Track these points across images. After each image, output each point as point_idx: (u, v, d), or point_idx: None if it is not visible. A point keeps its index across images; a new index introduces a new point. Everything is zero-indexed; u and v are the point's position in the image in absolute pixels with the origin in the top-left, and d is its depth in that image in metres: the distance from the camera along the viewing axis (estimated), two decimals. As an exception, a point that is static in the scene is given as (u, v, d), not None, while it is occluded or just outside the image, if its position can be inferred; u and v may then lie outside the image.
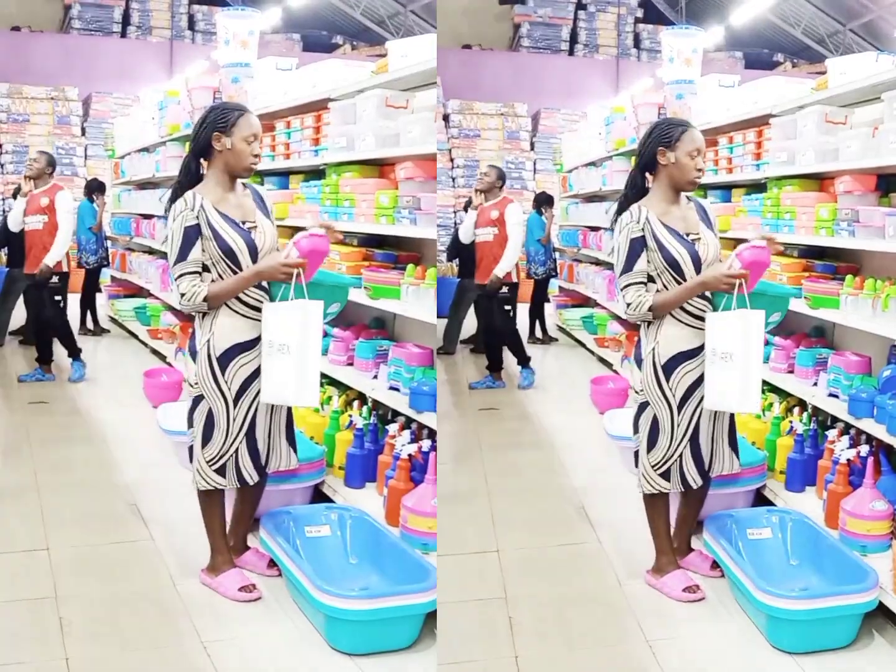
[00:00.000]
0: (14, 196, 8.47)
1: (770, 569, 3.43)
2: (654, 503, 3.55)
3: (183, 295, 3.26)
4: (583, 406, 6.24)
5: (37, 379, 6.72)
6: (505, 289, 6.70)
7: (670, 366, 3.37)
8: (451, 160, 13.75)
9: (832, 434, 4.07)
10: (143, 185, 9.02)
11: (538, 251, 8.91)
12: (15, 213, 6.80)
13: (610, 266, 8.24)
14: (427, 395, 3.93)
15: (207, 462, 3.39)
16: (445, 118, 13.86)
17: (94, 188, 9.17)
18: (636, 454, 3.56)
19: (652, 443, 3.44)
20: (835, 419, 4.14)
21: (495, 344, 6.98)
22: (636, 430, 3.50)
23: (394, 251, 4.72)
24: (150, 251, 8.86)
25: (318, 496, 4.16)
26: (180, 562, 3.69)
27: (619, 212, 3.43)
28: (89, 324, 8.97)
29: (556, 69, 14.74)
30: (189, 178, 3.36)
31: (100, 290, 9.49)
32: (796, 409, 4.39)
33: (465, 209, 8.75)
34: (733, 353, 3.22)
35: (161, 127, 7.71)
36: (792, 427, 4.30)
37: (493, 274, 6.61)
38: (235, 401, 3.36)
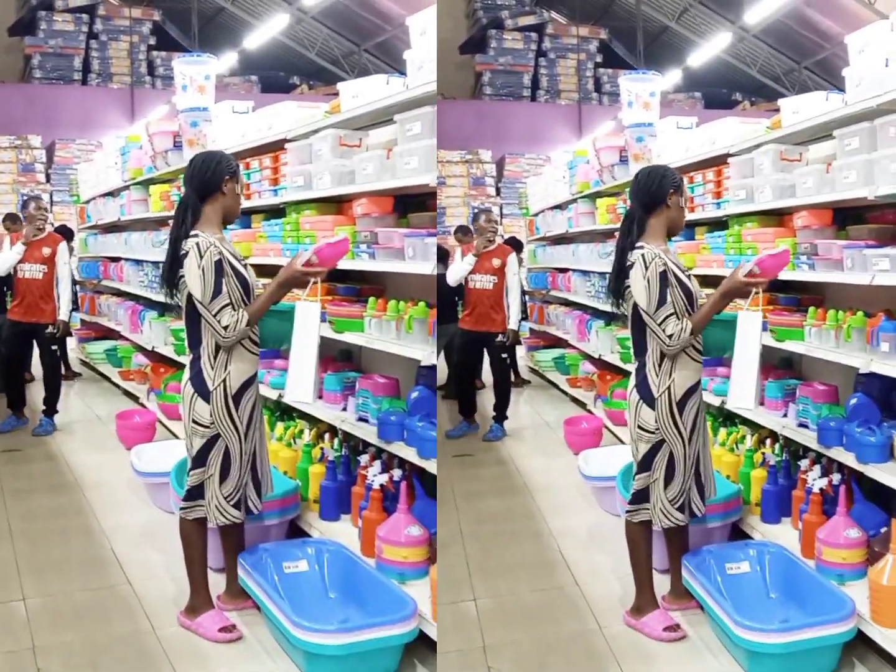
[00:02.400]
0: None
1: (749, 603, 3.44)
2: (639, 542, 3.58)
3: (226, 328, 3.35)
4: (557, 447, 6.25)
5: (12, 427, 6.63)
6: (501, 337, 6.66)
7: (683, 402, 3.48)
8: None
9: (804, 464, 4.11)
10: (109, 228, 9.09)
11: None
12: (8, 258, 6.68)
13: (580, 307, 8.34)
14: (395, 425, 3.91)
15: (226, 498, 3.47)
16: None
17: (63, 234, 9.20)
18: (639, 490, 3.55)
19: (669, 478, 3.51)
20: (806, 449, 4.18)
21: (470, 388, 6.92)
22: (645, 469, 3.53)
23: (356, 285, 4.79)
24: (119, 293, 8.89)
25: (295, 530, 4.15)
26: (158, 605, 3.67)
27: (622, 252, 3.51)
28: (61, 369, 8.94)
29: (519, 115, 14.96)
30: (195, 219, 3.46)
31: (70, 334, 9.49)
32: (768, 441, 4.43)
33: (439, 258, 8.78)
34: (738, 354, 3.39)
35: (124, 172, 7.78)
36: (765, 459, 4.34)
37: (510, 329, 6.64)
38: (245, 435, 3.48)
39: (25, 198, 6.98)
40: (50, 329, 6.58)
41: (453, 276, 6.81)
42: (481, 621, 3.65)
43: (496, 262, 6.68)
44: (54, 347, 6.77)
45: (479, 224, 6.88)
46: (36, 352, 7.13)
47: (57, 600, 3.76)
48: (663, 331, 3.40)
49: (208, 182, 3.47)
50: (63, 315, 6.64)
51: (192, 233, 3.42)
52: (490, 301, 6.63)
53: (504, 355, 6.90)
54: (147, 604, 3.69)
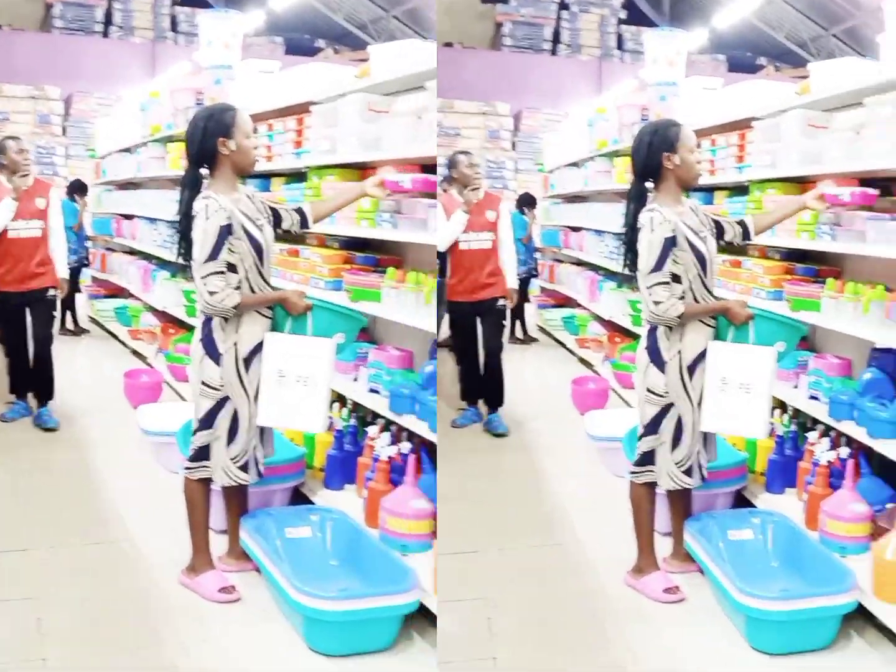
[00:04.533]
0: None
1: (750, 570, 3.43)
2: (642, 504, 3.58)
3: (213, 294, 3.29)
4: (563, 407, 6.25)
5: (20, 415, 5.72)
6: (502, 301, 5.73)
7: (693, 366, 3.45)
8: (433, 158, 13.71)
9: (812, 436, 4.09)
10: (125, 185, 8.96)
11: (519, 251, 8.87)
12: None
13: (592, 267, 8.28)
14: (407, 398, 3.93)
15: (232, 460, 3.45)
16: (427, 116, 13.82)
17: (77, 188, 9.18)
18: (645, 452, 3.56)
19: (677, 441, 3.50)
20: (815, 421, 4.16)
21: (474, 371, 5.89)
22: (652, 432, 3.52)
23: (375, 254, 4.73)
24: (131, 251, 8.79)
25: (298, 497, 4.14)
26: (160, 563, 3.67)
27: (629, 225, 3.48)
28: (69, 324, 8.90)
29: (539, 69, 14.72)
30: (197, 188, 3.40)
31: (79, 290, 9.44)
32: (777, 411, 4.40)
33: None
34: (757, 387, 3.39)
35: (143, 127, 7.64)
36: (773, 428, 4.32)
37: (510, 288, 5.70)
38: (255, 398, 3.45)
39: (2, 139, 5.61)
40: (52, 292, 5.60)
41: (444, 240, 5.56)
42: (482, 575, 3.66)
43: (491, 216, 5.64)
44: (55, 315, 5.95)
45: (460, 170, 5.67)
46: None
47: (58, 553, 3.76)
48: (650, 295, 3.36)
49: (201, 149, 3.38)
50: (63, 272, 5.68)
51: (204, 194, 3.35)
52: (489, 263, 5.63)
53: (504, 322, 6.04)
54: (148, 561, 3.70)
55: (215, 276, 3.30)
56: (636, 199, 3.49)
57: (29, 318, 5.59)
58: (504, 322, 5.95)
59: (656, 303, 3.36)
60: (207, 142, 3.37)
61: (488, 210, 5.66)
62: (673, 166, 3.43)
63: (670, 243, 3.36)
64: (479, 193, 5.65)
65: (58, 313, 6.49)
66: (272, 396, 3.42)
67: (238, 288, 3.36)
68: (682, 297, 3.40)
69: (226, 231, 3.31)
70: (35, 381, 5.67)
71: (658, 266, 3.36)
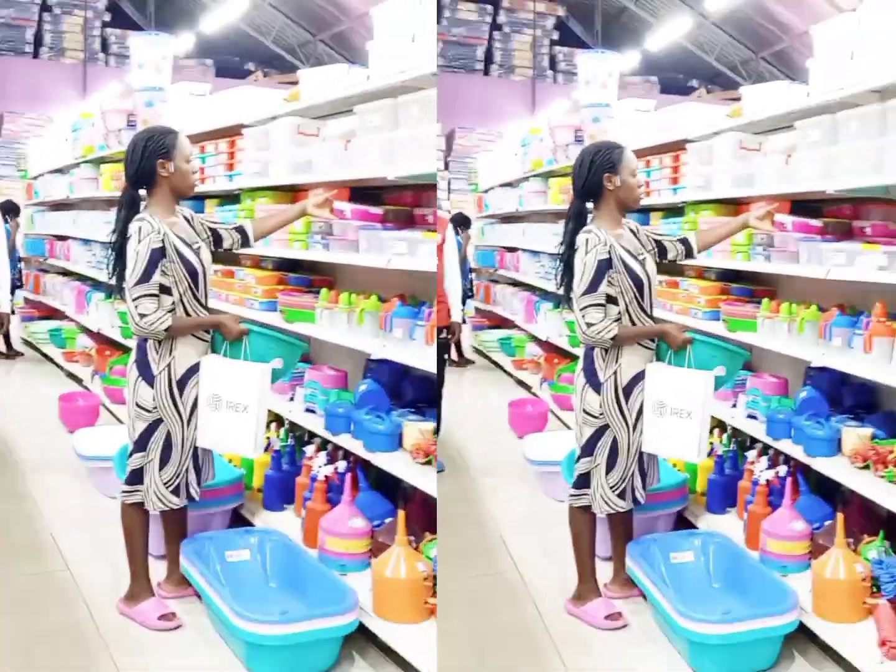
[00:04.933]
0: None
1: (692, 593, 3.43)
2: (581, 529, 3.55)
3: (143, 316, 3.24)
4: (501, 429, 6.21)
5: None
6: (444, 334, 5.37)
7: (629, 388, 3.43)
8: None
9: (751, 455, 4.11)
10: (58, 206, 8.84)
11: None
12: None
13: (528, 287, 8.29)
14: (342, 417, 3.91)
15: (164, 483, 3.39)
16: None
17: (9, 209, 9.08)
18: (582, 475, 3.54)
19: (611, 464, 3.47)
20: (754, 440, 4.18)
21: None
22: (588, 454, 3.49)
23: (308, 275, 4.74)
24: (65, 273, 8.65)
25: (238, 520, 4.09)
26: (97, 591, 3.58)
27: (566, 245, 3.46)
28: (1, 346, 8.67)
29: (471, 89, 14.79)
30: (134, 209, 3.37)
31: (13, 312, 9.21)
32: (716, 431, 4.42)
33: None
34: (692, 412, 3.36)
35: (75, 149, 7.58)
36: (712, 448, 4.33)
37: (453, 321, 5.37)
38: (188, 421, 3.40)
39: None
40: None
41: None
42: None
43: (437, 239, 5.71)
44: None
45: None
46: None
47: None
48: (583, 317, 3.35)
49: (139, 169, 3.35)
50: (5, 306, 5.27)
51: (140, 216, 3.31)
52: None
53: (445, 356, 5.68)
54: (86, 590, 3.60)
55: (146, 298, 3.25)
56: (575, 218, 3.48)
57: None
58: (445, 356, 5.61)
59: (589, 325, 3.34)
60: (146, 163, 3.34)
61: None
62: (613, 187, 3.42)
63: (605, 265, 3.35)
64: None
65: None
66: (207, 420, 3.38)
67: (172, 311, 3.30)
68: (617, 319, 3.38)
69: (158, 254, 3.26)
70: None
71: (592, 288, 3.34)
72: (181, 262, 3.32)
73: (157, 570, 3.58)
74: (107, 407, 6.21)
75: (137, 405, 3.37)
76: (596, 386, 3.43)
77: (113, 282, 3.47)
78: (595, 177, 3.42)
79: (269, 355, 3.42)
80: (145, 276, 3.25)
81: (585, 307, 3.34)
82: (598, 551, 3.66)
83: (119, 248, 3.37)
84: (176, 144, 3.37)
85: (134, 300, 3.26)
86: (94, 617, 3.40)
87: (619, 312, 3.38)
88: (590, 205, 3.50)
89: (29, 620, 3.38)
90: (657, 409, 3.42)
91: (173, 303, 3.32)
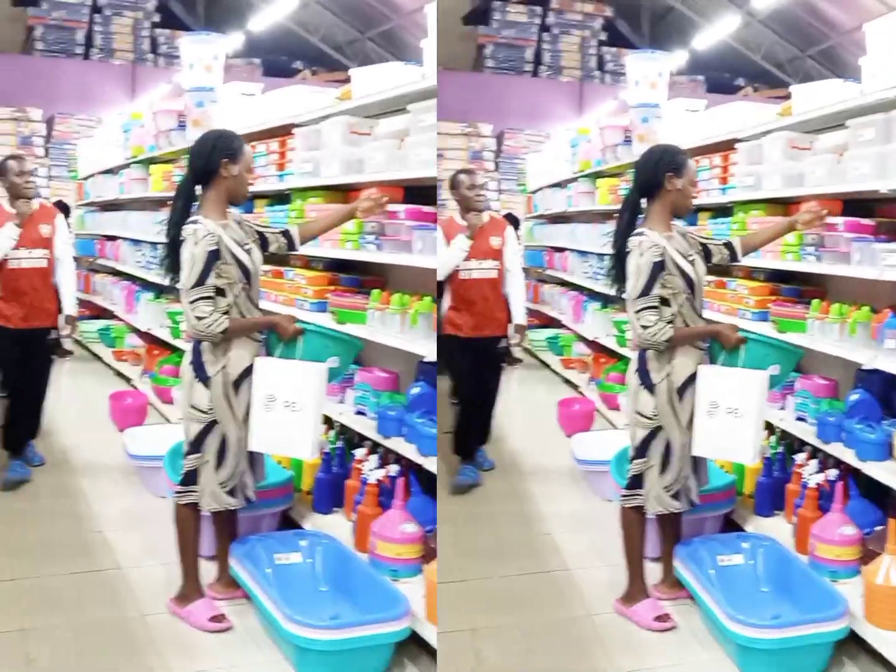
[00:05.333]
0: None
1: (741, 596, 3.40)
2: (632, 530, 3.54)
3: (200, 319, 3.27)
4: (549, 428, 6.21)
5: (21, 476, 4.89)
6: (505, 342, 5.16)
7: (682, 389, 3.44)
8: (416, 180, 13.75)
9: (800, 458, 4.07)
10: (108, 206, 8.94)
11: None
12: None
13: (576, 287, 8.27)
14: (394, 421, 3.90)
15: (221, 484, 3.41)
16: (409, 137, 13.87)
17: (60, 210, 9.12)
18: (635, 476, 3.52)
19: (665, 465, 3.47)
20: (803, 443, 4.14)
21: (476, 418, 5.20)
22: (641, 455, 3.49)
23: (359, 276, 4.71)
24: (115, 272, 8.75)
25: (286, 522, 4.10)
26: (148, 591, 3.61)
27: (620, 237, 3.47)
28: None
29: (520, 90, 14.78)
30: (190, 202, 3.41)
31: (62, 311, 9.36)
32: (765, 433, 4.38)
33: None
34: (747, 412, 3.36)
35: (125, 149, 7.66)
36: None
37: (517, 324, 5.14)
38: (243, 422, 3.42)
39: (2, 159, 5.03)
40: (53, 335, 5.01)
41: (443, 267, 4.93)
42: (469, 603, 3.60)
43: (495, 242, 5.04)
44: (52, 361, 5.21)
45: (460, 192, 5.05)
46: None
47: (45, 582, 3.69)
48: (638, 320, 3.36)
49: (204, 165, 3.40)
50: (71, 308, 5.11)
51: (193, 218, 3.35)
52: (494, 294, 5.02)
53: (504, 364, 5.39)
54: (136, 590, 3.64)
55: (203, 301, 3.28)
56: (630, 210, 3.50)
57: (24, 361, 4.92)
58: (504, 364, 5.34)
59: (644, 327, 3.35)
60: (212, 159, 3.38)
61: (493, 235, 5.02)
62: (672, 189, 3.45)
63: (658, 267, 3.36)
64: (483, 217, 5.03)
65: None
66: (262, 422, 3.39)
67: (227, 312, 3.33)
68: (670, 321, 3.38)
69: (214, 256, 3.30)
70: (18, 431, 5.04)
71: (646, 290, 3.35)
72: (236, 264, 3.36)
73: (208, 571, 3.60)
74: (155, 406, 6.29)
75: (192, 406, 3.39)
76: (650, 387, 3.44)
77: (163, 273, 3.48)
78: (658, 175, 3.44)
79: (324, 355, 3.44)
80: (202, 279, 3.28)
81: (640, 310, 3.36)
82: (647, 552, 3.65)
83: (173, 241, 3.38)
84: (243, 151, 3.44)
85: (191, 303, 3.29)
86: (144, 616, 3.43)
87: (672, 314, 3.39)
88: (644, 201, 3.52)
89: (79, 618, 3.42)
90: (710, 411, 3.41)
91: (228, 305, 3.35)
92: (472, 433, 5.17)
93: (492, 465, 5.35)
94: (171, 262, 3.42)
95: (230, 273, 3.35)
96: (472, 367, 5.04)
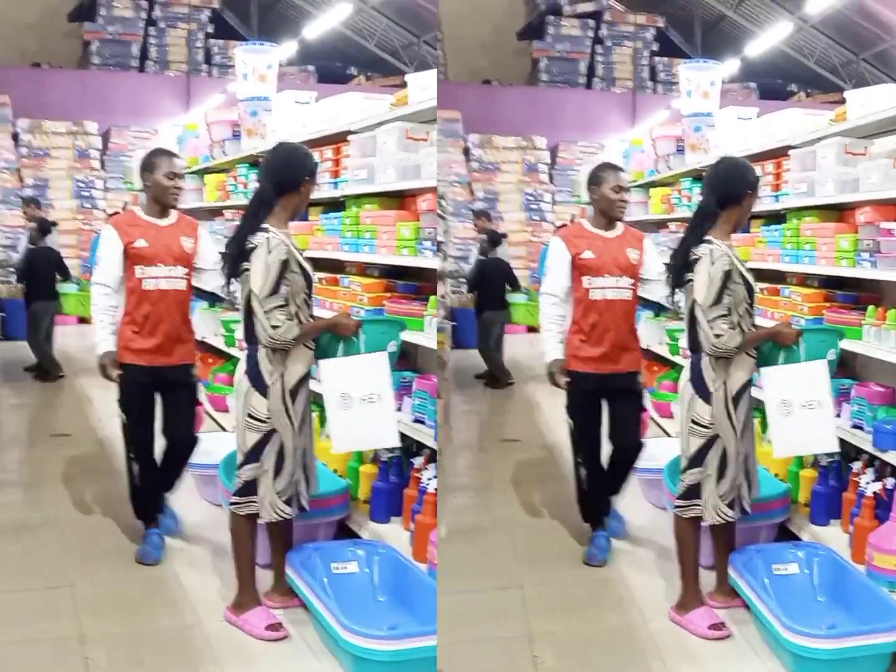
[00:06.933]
0: (42, 231, 8.49)
1: (796, 605, 3.38)
2: (687, 538, 3.54)
3: (276, 328, 3.33)
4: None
5: (157, 554, 4.02)
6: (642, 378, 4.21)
7: (737, 397, 3.46)
8: (472, 192, 13.82)
9: (857, 466, 4.02)
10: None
11: None
12: (111, 255, 3.91)
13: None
14: (891, 434, 3.83)
15: (278, 493, 3.45)
16: (465, 152, 13.95)
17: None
18: (692, 486, 3.52)
19: (721, 474, 3.48)
20: (859, 451, 4.09)
21: (601, 477, 4.24)
22: (698, 464, 3.49)
23: (415, 282, 4.69)
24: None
25: (343, 530, 4.11)
26: (205, 599, 3.64)
27: (690, 243, 3.47)
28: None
29: (574, 102, 14.82)
30: (267, 214, 3.43)
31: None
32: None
33: (491, 243, 8.66)
34: (821, 401, 3.45)
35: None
36: (816, 458, 4.25)
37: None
38: (299, 431, 3.47)
39: (151, 152, 4.12)
40: (195, 372, 4.09)
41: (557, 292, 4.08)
42: (526, 609, 3.62)
43: (633, 256, 4.02)
44: (198, 404, 4.37)
45: (601, 192, 4.05)
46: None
47: (103, 589, 3.75)
48: (711, 329, 3.37)
49: (288, 178, 3.46)
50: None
51: (263, 226, 3.40)
52: (628, 320, 4.07)
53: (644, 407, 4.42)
54: (193, 597, 3.67)
55: (278, 309, 3.35)
56: (710, 219, 3.48)
57: (161, 407, 4.03)
58: (643, 406, 4.38)
59: (717, 336, 3.37)
60: (300, 175, 3.48)
61: (630, 247, 4.05)
62: (745, 205, 3.51)
63: (727, 276, 3.39)
64: (617, 226, 4.12)
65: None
66: (341, 422, 3.45)
67: (291, 320, 3.39)
68: (733, 328, 3.40)
69: (285, 265, 3.36)
70: (169, 478, 4.18)
71: (718, 299, 3.38)
72: (300, 273, 3.43)
73: (264, 579, 3.61)
74: (210, 414, 6.31)
75: (250, 416, 3.41)
76: (705, 396, 3.44)
77: (221, 287, 3.52)
78: (740, 190, 3.49)
79: (384, 342, 3.51)
80: (276, 288, 3.34)
81: (714, 318, 3.38)
82: (701, 560, 3.63)
83: (239, 249, 3.38)
84: (315, 171, 3.55)
85: (266, 312, 3.33)
86: (201, 623, 3.45)
87: (734, 322, 3.41)
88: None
89: (136, 626, 3.46)
90: (783, 410, 3.46)
91: (292, 313, 3.39)
92: (598, 490, 4.25)
93: (625, 532, 4.41)
94: (232, 269, 3.43)
95: (296, 282, 3.41)
96: (597, 410, 4.14)
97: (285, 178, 3.46)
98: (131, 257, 3.89)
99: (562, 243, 4.06)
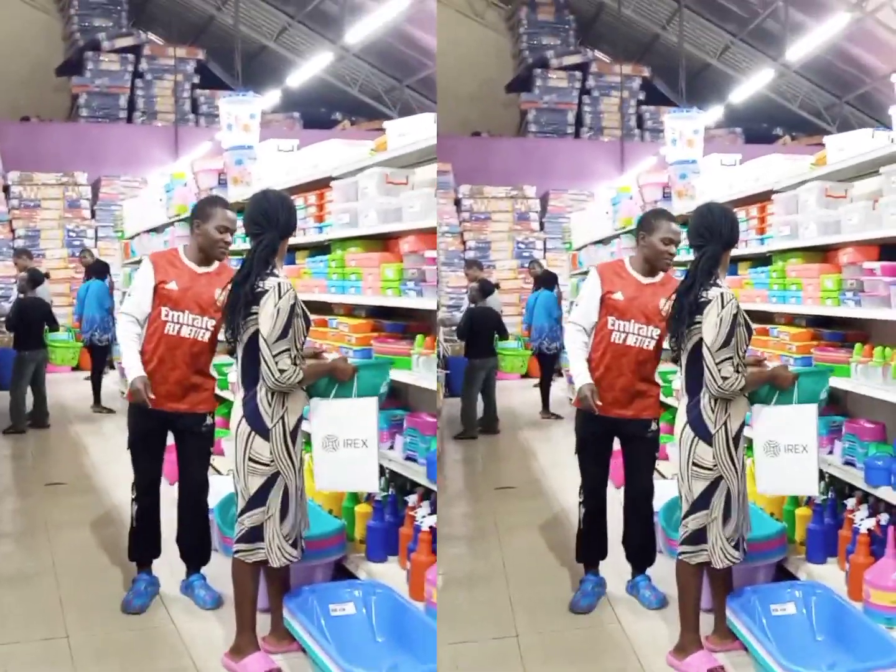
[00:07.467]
0: (33, 281, 8.59)
1: (795, 646, 3.39)
2: (690, 583, 3.53)
3: (283, 371, 3.37)
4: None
5: (151, 596, 4.03)
6: (654, 426, 4.11)
7: (737, 437, 3.50)
8: (464, 242, 13.96)
9: (851, 503, 4.05)
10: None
11: (553, 327, 9.28)
12: (142, 299, 3.90)
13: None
14: (882, 470, 3.85)
15: (285, 537, 3.45)
16: (457, 202, 14.12)
17: (100, 269, 9.76)
18: (697, 530, 3.52)
19: (727, 516, 3.49)
20: (853, 487, 4.11)
21: (602, 517, 4.26)
22: (703, 507, 3.49)
23: (401, 321, 4.74)
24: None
25: (340, 571, 4.09)
26: (202, 644, 3.62)
27: (699, 287, 3.46)
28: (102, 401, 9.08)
29: (563, 152, 15.04)
30: (273, 258, 3.49)
31: (112, 367, 9.63)
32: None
33: (482, 292, 8.74)
34: (807, 445, 3.50)
35: (169, 208, 7.87)
36: (809, 497, 4.27)
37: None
38: (299, 471, 3.51)
39: (207, 199, 4.18)
40: (209, 421, 4.05)
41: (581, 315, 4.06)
42: (523, 657, 3.62)
43: (666, 306, 3.74)
44: (210, 453, 4.19)
45: (650, 240, 3.95)
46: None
47: (100, 638, 3.74)
48: (720, 371, 3.40)
49: (290, 223, 3.57)
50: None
51: (273, 272, 3.46)
52: (647, 369, 4.01)
53: (657, 454, 4.24)
54: (190, 643, 3.65)
55: (286, 353, 3.39)
56: (713, 265, 3.49)
57: (176, 454, 4.09)
58: (656, 454, 4.25)
59: (724, 378, 3.40)
60: (294, 222, 3.61)
61: (663, 297, 3.84)
62: (733, 251, 3.63)
63: (735, 320, 3.44)
64: (657, 274, 4.01)
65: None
66: (324, 462, 3.48)
67: (294, 363, 3.43)
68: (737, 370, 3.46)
69: (293, 310, 3.42)
70: (184, 539, 4.09)
71: (727, 342, 3.42)
72: (303, 317, 3.49)
73: (261, 624, 3.58)
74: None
75: (251, 460, 3.41)
76: (707, 438, 3.46)
77: (223, 332, 3.55)
78: (736, 236, 3.61)
79: (377, 385, 3.58)
80: (285, 332, 3.38)
81: (722, 361, 3.41)
82: (699, 603, 3.64)
83: (245, 295, 3.39)
84: None
85: (275, 356, 3.36)
86: (197, 669, 3.43)
87: (736, 364, 3.46)
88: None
89: (135, 670, 3.44)
90: (769, 450, 3.50)
91: (293, 356, 3.42)
92: (597, 532, 4.25)
93: (661, 604, 4.03)
94: (243, 313, 3.42)
95: (299, 326, 3.46)
96: (605, 454, 4.20)
97: (287, 223, 3.55)
98: (160, 297, 3.88)
99: (597, 278, 4.02)
